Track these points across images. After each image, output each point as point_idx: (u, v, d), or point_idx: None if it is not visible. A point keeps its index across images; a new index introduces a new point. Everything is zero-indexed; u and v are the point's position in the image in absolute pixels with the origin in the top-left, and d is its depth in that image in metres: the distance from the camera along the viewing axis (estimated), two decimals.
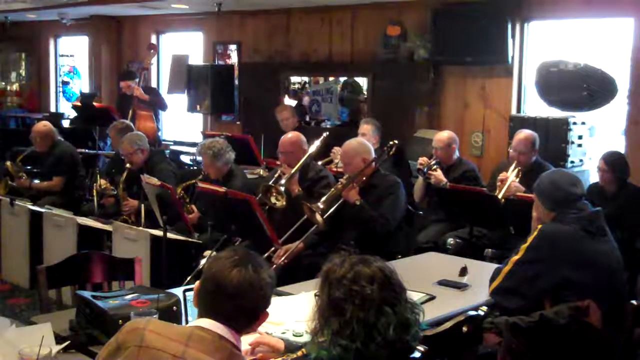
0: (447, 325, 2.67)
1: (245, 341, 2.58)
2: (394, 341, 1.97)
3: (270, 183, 4.74)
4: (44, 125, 6.70)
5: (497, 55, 6.42)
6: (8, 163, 6.63)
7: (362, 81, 7.60)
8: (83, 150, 7.90)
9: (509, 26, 6.31)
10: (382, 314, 1.97)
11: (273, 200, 4.65)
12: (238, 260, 1.96)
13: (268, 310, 2.02)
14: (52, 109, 11.71)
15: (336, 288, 2.01)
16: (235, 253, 2.00)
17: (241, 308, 1.95)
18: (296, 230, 4.56)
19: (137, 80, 8.26)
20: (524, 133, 5.34)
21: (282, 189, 4.62)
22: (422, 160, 5.62)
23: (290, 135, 5.09)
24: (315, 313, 2.05)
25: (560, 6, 6.19)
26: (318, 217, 4.37)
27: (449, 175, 5.49)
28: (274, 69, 8.32)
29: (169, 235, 4.55)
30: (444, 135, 5.69)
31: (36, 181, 6.71)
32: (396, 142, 4.85)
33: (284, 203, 4.60)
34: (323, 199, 4.44)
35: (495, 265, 3.59)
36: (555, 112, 6.09)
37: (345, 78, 7.75)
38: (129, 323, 2.00)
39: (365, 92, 7.55)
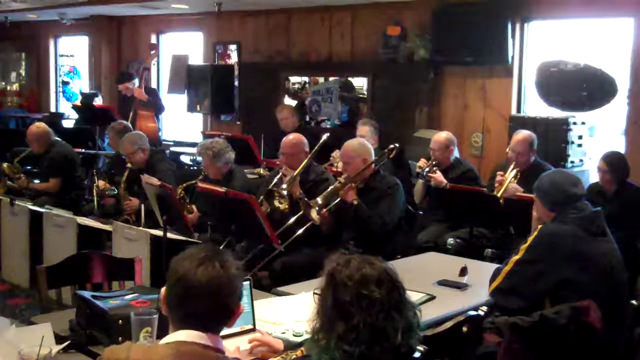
0: (447, 325, 2.67)
1: (246, 341, 2.59)
2: (400, 345, 1.93)
3: (272, 187, 4.74)
4: (37, 127, 6.64)
5: (497, 55, 6.41)
6: (5, 165, 6.59)
7: (362, 81, 7.59)
8: (83, 150, 7.90)
9: (509, 26, 6.31)
10: (390, 318, 1.93)
11: (276, 203, 4.65)
12: (203, 258, 1.90)
13: (242, 303, 1.97)
14: (52, 109, 11.71)
15: (343, 291, 1.94)
16: (200, 251, 1.94)
17: (214, 306, 1.90)
18: (293, 230, 4.57)
19: (134, 81, 8.23)
20: (521, 134, 5.33)
21: (285, 192, 4.62)
22: (421, 163, 5.59)
23: (292, 137, 5.09)
24: (317, 313, 2.00)
25: (560, 6, 6.19)
26: (314, 213, 4.38)
27: (447, 176, 5.46)
28: (274, 69, 8.32)
29: (169, 235, 4.54)
30: (441, 136, 5.66)
31: (36, 181, 6.70)
32: (396, 145, 4.86)
33: (287, 206, 4.61)
34: (321, 195, 4.45)
35: (495, 265, 3.58)
36: (555, 112, 6.09)
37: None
38: (109, 351, 1.90)
39: (365, 92, 7.53)
